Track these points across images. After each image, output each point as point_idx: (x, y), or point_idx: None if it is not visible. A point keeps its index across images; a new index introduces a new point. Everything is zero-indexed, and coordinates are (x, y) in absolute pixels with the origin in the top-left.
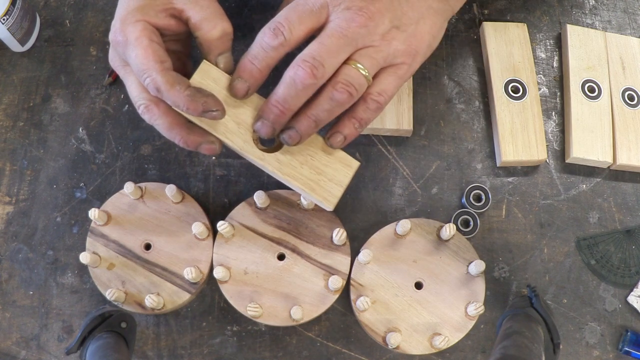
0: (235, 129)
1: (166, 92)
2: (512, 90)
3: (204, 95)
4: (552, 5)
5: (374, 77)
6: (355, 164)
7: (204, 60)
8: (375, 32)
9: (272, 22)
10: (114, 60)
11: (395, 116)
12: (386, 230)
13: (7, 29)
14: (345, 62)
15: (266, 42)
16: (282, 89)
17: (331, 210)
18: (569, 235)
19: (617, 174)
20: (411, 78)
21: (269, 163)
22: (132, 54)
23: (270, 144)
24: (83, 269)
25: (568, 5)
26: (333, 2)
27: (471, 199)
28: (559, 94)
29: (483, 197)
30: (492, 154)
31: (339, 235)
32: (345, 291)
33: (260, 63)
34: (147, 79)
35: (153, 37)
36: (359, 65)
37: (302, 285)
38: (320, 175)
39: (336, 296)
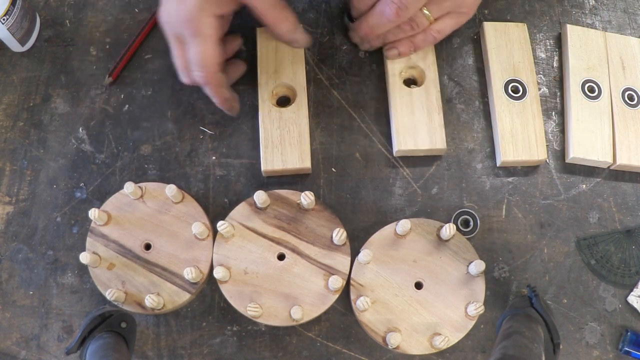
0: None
1: (211, 90)
2: (512, 90)
3: (233, 100)
4: (552, 5)
5: (438, 17)
6: (307, 167)
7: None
8: None
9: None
10: (168, 26)
11: (428, 135)
12: (386, 230)
13: (7, 29)
14: None
15: (387, 18)
16: (372, 18)
17: (263, 172)
18: (569, 235)
19: (617, 174)
20: (440, 94)
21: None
22: (198, 46)
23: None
24: (83, 269)
25: (568, 5)
26: None
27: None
28: (559, 94)
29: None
30: (492, 154)
31: (339, 235)
32: (345, 291)
33: (375, 31)
34: (201, 75)
35: (219, 34)
36: (425, 12)
37: (302, 285)
38: (281, 146)
39: (336, 296)
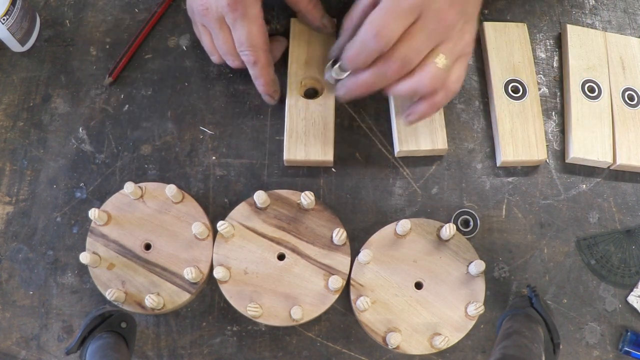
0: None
1: (259, 69)
2: (512, 90)
3: (276, 84)
4: (552, 5)
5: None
6: (329, 160)
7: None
8: (454, 31)
9: (374, 23)
10: (210, 13)
11: (429, 136)
12: (386, 230)
13: (7, 29)
14: (431, 54)
15: (371, 47)
16: (371, 73)
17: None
18: (569, 235)
19: (617, 174)
20: None
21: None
22: (247, 27)
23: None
24: (83, 269)
25: (568, 5)
26: (424, 4)
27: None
28: (559, 94)
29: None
30: (492, 154)
31: (339, 235)
32: (345, 291)
33: (361, 61)
34: (251, 53)
35: (262, 14)
36: (439, 60)
37: (302, 285)
38: (305, 137)
39: (336, 296)
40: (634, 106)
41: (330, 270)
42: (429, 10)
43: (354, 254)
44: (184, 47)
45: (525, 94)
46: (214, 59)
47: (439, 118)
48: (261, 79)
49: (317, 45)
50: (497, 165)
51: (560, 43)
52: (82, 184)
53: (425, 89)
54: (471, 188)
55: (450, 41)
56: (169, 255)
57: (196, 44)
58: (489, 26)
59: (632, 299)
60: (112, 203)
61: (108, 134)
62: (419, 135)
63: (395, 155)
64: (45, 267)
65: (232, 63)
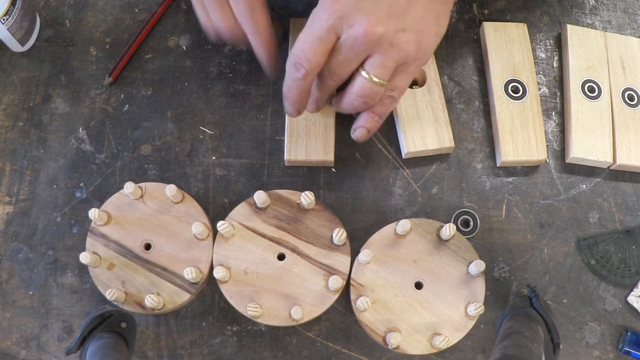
0: None
1: (262, 41)
2: (512, 90)
3: (278, 57)
4: (552, 5)
5: (390, 78)
6: (330, 159)
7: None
8: (382, 43)
9: (293, 54)
10: None
11: (436, 135)
12: (386, 230)
13: (7, 29)
14: (361, 68)
15: (293, 76)
16: (314, 85)
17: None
18: (569, 235)
19: (617, 174)
20: (442, 92)
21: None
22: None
23: None
24: (83, 269)
25: (568, 5)
26: (338, 23)
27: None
28: (559, 94)
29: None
30: (492, 154)
31: (339, 235)
32: (345, 291)
33: (296, 92)
34: (252, 25)
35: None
36: (372, 76)
37: (302, 285)
38: (306, 137)
39: (336, 296)
40: (634, 106)
41: (330, 270)
42: (347, 27)
43: (354, 254)
44: (184, 47)
45: (525, 94)
46: (211, 35)
47: (443, 116)
48: (263, 51)
49: None
50: (497, 165)
51: (560, 43)
52: (82, 184)
53: (357, 102)
54: (471, 188)
55: (379, 53)
56: (169, 255)
57: (196, 44)
58: (489, 26)
59: (632, 299)
60: (112, 203)
61: (108, 134)
62: (425, 136)
63: (403, 157)
64: (45, 267)
65: (229, 38)
